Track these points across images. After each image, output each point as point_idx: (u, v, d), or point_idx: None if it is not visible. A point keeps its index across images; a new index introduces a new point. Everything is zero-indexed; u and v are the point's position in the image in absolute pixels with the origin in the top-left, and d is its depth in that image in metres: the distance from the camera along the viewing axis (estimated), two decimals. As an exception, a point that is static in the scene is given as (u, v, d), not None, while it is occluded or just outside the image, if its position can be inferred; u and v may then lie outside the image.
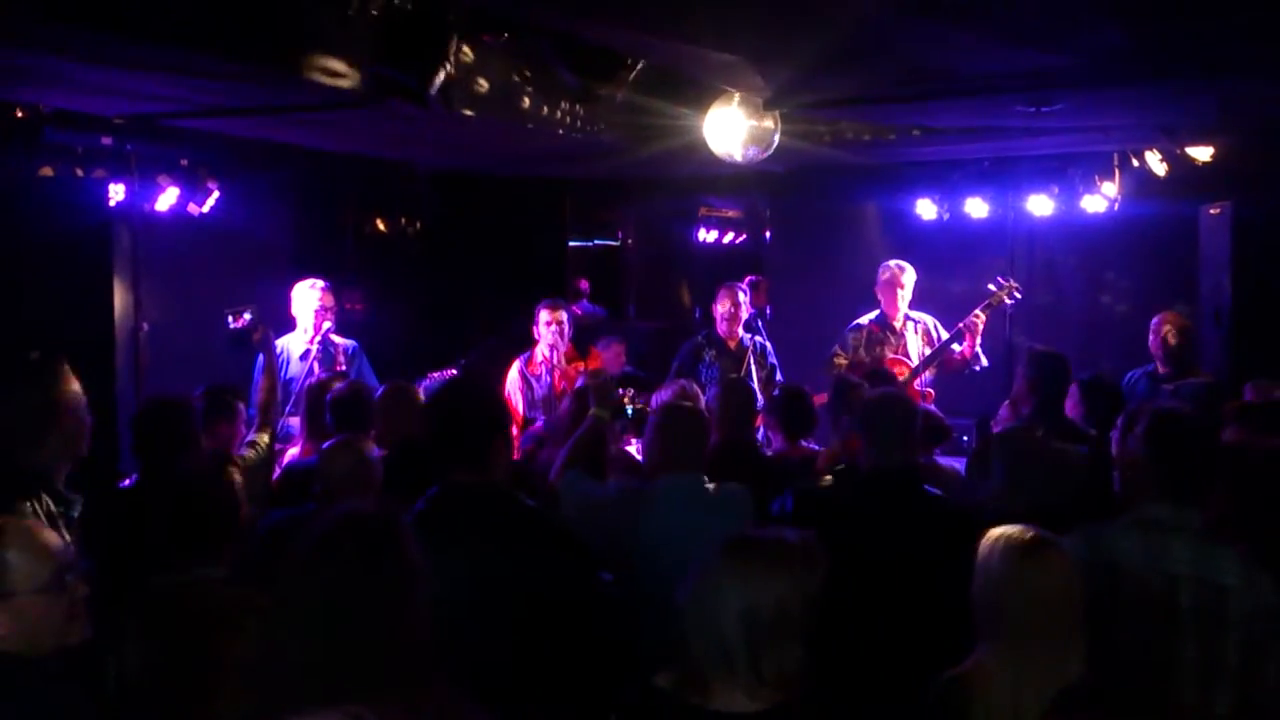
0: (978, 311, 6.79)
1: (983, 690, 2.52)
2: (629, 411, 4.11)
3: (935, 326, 7.07)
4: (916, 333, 7.06)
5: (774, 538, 2.36)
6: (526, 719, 2.63)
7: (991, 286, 6.95)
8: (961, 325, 6.80)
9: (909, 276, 7.02)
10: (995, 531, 2.64)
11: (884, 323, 7.05)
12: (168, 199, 6.62)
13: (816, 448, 4.88)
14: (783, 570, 2.26)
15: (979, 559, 2.63)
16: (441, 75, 4.61)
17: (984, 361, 6.86)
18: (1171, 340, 6.10)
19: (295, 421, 5.33)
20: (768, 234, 9.81)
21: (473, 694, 2.01)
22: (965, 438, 5.60)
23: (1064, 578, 2.55)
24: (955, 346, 6.85)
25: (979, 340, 6.81)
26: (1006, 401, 5.47)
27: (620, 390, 4.05)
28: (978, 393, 7.39)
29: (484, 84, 4.95)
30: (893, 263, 7.15)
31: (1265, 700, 2.78)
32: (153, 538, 2.97)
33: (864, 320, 7.10)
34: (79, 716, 2.36)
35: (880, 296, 7.08)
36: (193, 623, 2.45)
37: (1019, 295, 6.95)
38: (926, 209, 8.31)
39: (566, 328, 6.58)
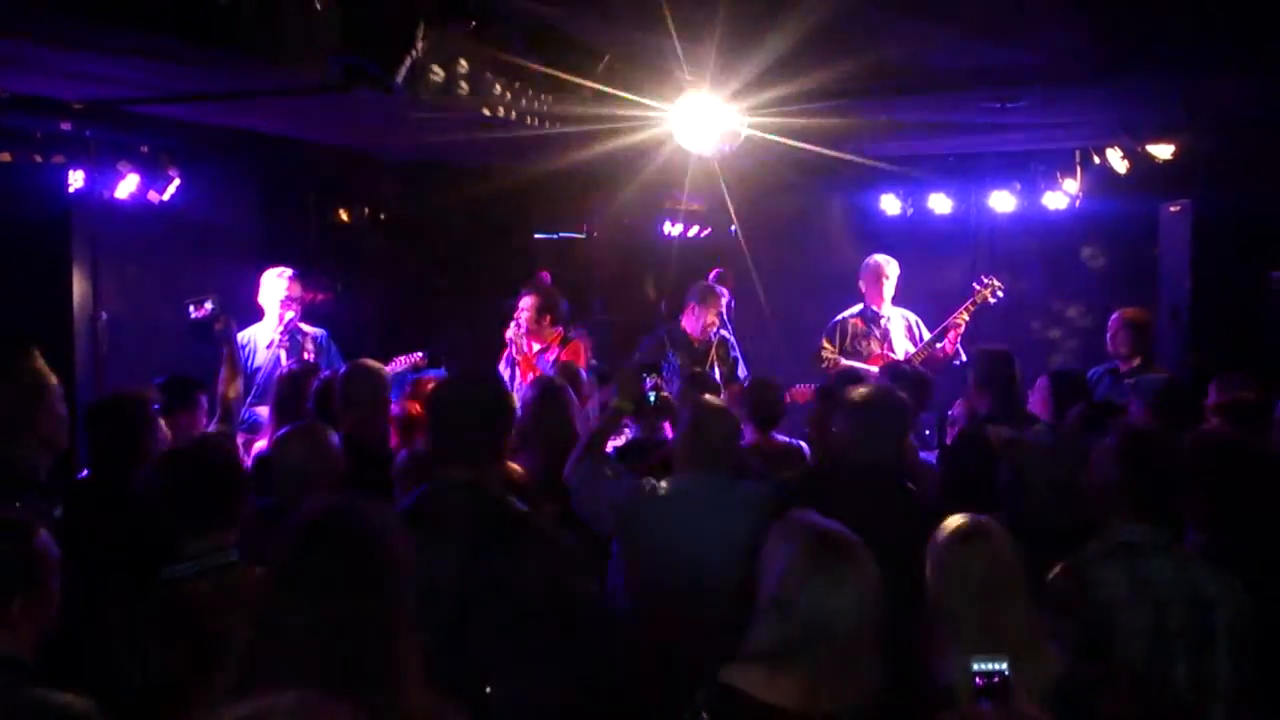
0: (962, 311, 6.89)
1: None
2: (652, 399, 4.09)
3: (918, 324, 7.16)
4: (901, 326, 7.12)
5: (847, 533, 2.31)
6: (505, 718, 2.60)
7: (976, 285, 7.03)
8: (946, 324, 6.89)
9: (893, 269, 7.11)
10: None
11: (869, 316, 7.09)
12: (128, 186, 6.53)
13: (787, 440, 4.91)
14: (872, 567, 2.23)
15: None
16: (408, 63, 4.56)
17: (963, 357, 6.93)
18: (1124, 337, 6.18)
19: (262, 411, 5.27)
20: (733, 228, 9.81)
21: (451, 692, 1.99)
22: (927, 431, 5.67)
23: (989, 561, 2.54)
24: (936, 344, 6.94)
25: (960, 337, 6.88)
26: (960, 399, 5.55)
27: (647, 380, 4.03)
28: (939, 388, 7.46)
29: (451, 72, 4.91)
30: (877, 256, 7.21)
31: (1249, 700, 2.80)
32: (166, 514, 2.87)
33: (847, 314, 7.13)
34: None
35: (865, 289, 7.13)
36: (214, 612, 2.41)
37: (1001, 294, 7.01)
38: (890, 204, 8.37)
39: (531, 313, 6.65)
